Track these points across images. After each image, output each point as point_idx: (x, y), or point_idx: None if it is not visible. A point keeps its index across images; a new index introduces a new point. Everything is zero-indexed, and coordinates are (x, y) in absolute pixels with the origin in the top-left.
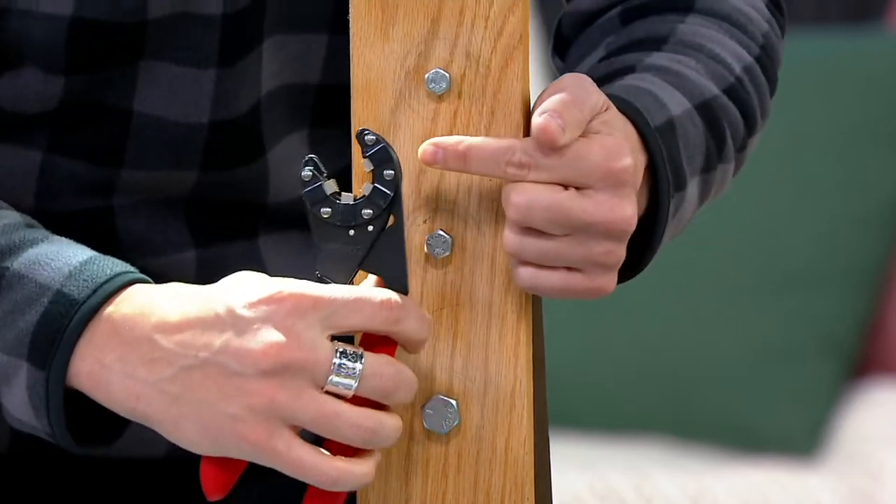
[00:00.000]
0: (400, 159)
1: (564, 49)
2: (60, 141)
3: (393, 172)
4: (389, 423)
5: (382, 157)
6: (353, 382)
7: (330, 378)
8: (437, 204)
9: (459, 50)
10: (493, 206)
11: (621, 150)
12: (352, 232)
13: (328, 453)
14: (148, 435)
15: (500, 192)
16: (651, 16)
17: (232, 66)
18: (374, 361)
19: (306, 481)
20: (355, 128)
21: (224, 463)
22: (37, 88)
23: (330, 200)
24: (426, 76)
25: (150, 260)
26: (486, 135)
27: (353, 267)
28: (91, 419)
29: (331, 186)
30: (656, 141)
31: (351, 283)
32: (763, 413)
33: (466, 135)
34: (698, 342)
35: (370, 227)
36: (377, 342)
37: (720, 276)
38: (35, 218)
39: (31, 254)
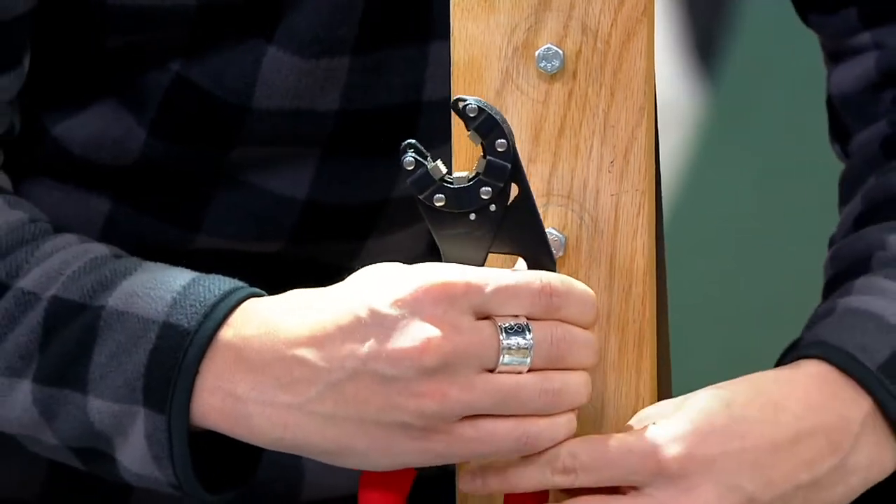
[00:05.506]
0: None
1: (843, 135)
2: (132, 192)
3: (505, 141)
4: (574, 379)
5: (490, 126)
6: (526, 359)
7: (501, 359)
8: (549, 199)
9: (575, 23)
10: (613, 202)
11: (672, 436)
12: (473, 216)
13: (510, 417)
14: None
15: (621, 186)
16: None
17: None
18: (542, 328)
19: (505, 455)
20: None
21: (388, 483)
22: (115, 135)
23: (441, 186)
24: (537, 53)
25: None
26: (605, 119)
27: (482, 256)
28: (217, 464)
29: (438, 170)
30: (878, 383)
31: None
32: None
33: (582, 119)
34: None
35: (492, 208)
36: None
37: None
38: None
39: (126, 286)
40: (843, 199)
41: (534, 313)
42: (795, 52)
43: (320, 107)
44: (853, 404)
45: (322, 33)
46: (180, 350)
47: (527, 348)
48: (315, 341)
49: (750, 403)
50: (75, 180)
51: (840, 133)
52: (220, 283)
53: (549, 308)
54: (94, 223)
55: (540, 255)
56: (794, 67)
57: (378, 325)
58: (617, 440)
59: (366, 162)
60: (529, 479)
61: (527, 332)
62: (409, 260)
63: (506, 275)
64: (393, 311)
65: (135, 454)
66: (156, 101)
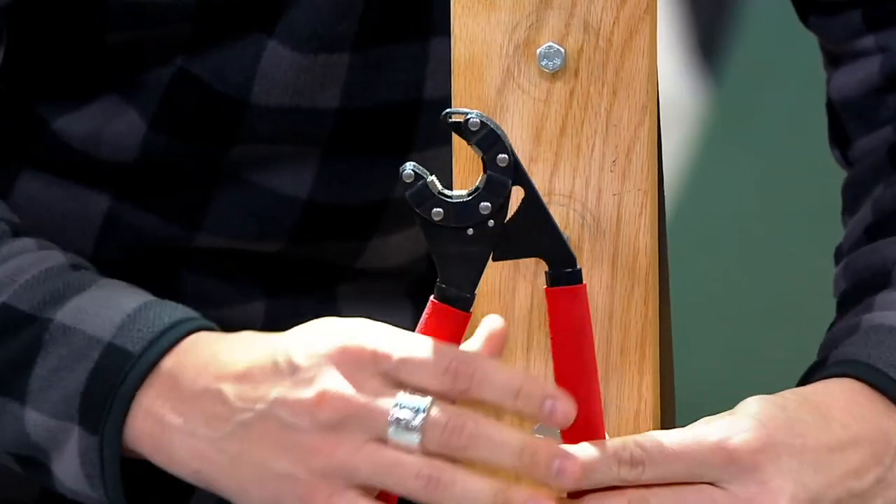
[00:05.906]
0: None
1: (843, 140)
2: (132, 189)
3: (507, 156)
4: (467, 482)
5: (492, 140)
6: (414, 437)
7: (389, 432)
8: (550, 198)
9: (576, 21)
10: (615, 202)
11: (739, 427)
12: (471, 231)
13: None
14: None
15: (623, 186)
16: None
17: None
18: (441, 413)
19: None
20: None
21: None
22: (115, 130)
23: (439, 199)
24: (538, 51)
25: (214, 311)
26: (607, 118)
27: (479, 270)
28: (152, 489)
29: (436, 185)
30: None
31: (476, 287)
32: None
33: (584, 118)
34: None
35: (491, 223)
36: None
37: None
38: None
39: (76, 302)
40: (849, 207)
41: (442, 391)
42: (798, 50)
43: (320, 104)
44: (888, 419)
45: (321, 29)
46: (121, 373)
47: (415, 427)
48: (237, 380)
49: (801, 408)
50: (75, 176)
51: (840, 138)
52: (171, 311)
53: (453, 389)
54: (93, 220)
55: (560, 253)
56: (797, 66)
57: (289, 373)
58: (684, 432)
59: (367, 161)
60: (598, 473)
61: (421, 411)
62: (411, 260)
63: (418, 346)
64: (305, 363)
65: (69, 470)
66: (157, 95)
